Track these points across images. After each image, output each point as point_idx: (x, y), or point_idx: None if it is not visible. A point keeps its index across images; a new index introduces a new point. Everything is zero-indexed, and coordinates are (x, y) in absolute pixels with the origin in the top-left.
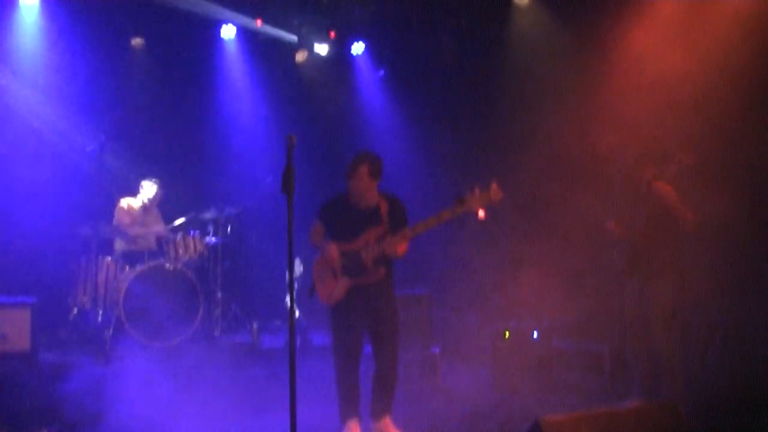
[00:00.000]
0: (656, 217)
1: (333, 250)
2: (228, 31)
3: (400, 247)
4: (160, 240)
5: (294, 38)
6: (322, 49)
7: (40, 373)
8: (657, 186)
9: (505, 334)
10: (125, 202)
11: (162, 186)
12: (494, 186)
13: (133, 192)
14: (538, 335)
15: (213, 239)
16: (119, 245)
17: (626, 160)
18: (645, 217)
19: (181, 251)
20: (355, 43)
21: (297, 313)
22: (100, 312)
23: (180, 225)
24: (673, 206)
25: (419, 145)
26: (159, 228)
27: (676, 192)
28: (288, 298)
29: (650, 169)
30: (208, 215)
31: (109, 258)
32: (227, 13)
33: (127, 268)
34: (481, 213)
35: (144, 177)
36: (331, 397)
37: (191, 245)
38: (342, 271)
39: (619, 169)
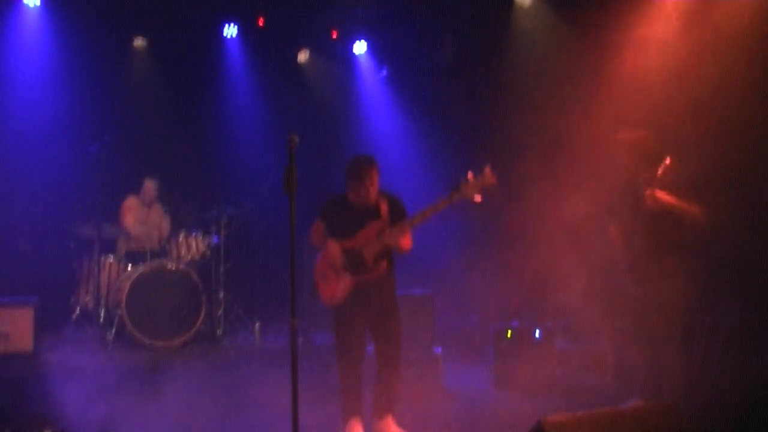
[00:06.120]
0: (656, 221)
1: (335, 247)
2: (230, 31)
3: (403, 241)
4: (162, 240)
5: (296, 37)
6: (323, 48)
7: (42, 373)
8: (652, 195)
9: (507, 334)
10: (130, 201)
11: (162, 183)
12: (487, 169)
13: (136, 191)
14: (540, 335)
15: (215, 239)
16: (122, 245)
17: (627, 161)
18: (645, 222)
19: (183, 251)
20: (357, 43)
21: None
22: (103, 312)
23: (181, 225)
24: (675, 209)
25: (421, 145)
26: (163, 227)
27: (675, 192)
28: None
29: (644, 174)
30: (210, 215)
31: (111, 258)
32: (229, 12)
33: (130, 268)
34: (477, 197)
35: (144, 175)
36: (333, 397)
37: (193, 245)
38: (344, 269)
39: (620, 170)
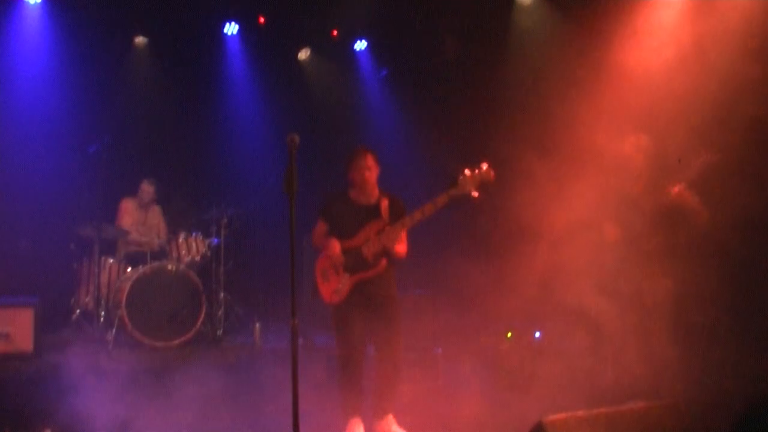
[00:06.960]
0: (662, 221)
1: (335, 245)
2: (231, 30)
3: (400, 246)
4: (161, 241)
5: (296, 36)
6: (324, 47)
7: (42, 373)
8: (682, 191)
9: (507, 334)
10: (126, 203)
11: (160, 185)
12: (485, 165)
13: (134, 192)
14: (540, 335)
15: (215, 240)
16: (122, 246)
17: (625, 159)
18: (649, 222)
19: (183, 252)
20: (358, 42)
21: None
22: (103, 313)
23: (182, 226)
24: (690, 209)
25: (421, 145)
26: (160, 229)
27: (693, 192)
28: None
29: (646, 174)
30: (210, 215)
31: (111, 259)
32: (230, 11)
33: (130, 268)
34: (475, 193)
35: (142, 177)
36: (333, 397)
37: (194, 246)
38: (344, 268)
39: (619, 168)
